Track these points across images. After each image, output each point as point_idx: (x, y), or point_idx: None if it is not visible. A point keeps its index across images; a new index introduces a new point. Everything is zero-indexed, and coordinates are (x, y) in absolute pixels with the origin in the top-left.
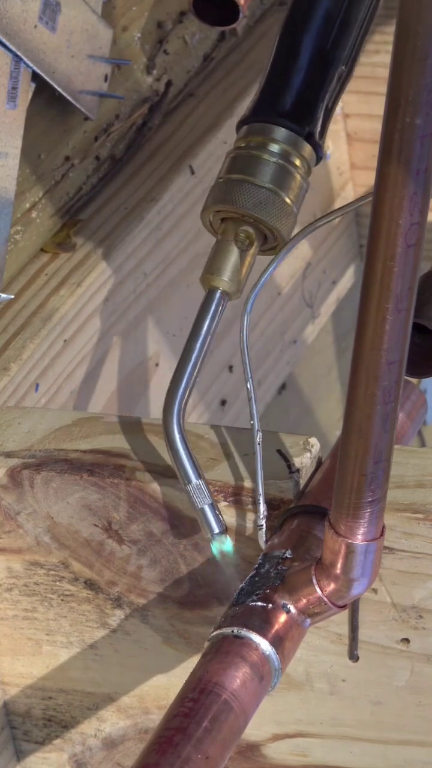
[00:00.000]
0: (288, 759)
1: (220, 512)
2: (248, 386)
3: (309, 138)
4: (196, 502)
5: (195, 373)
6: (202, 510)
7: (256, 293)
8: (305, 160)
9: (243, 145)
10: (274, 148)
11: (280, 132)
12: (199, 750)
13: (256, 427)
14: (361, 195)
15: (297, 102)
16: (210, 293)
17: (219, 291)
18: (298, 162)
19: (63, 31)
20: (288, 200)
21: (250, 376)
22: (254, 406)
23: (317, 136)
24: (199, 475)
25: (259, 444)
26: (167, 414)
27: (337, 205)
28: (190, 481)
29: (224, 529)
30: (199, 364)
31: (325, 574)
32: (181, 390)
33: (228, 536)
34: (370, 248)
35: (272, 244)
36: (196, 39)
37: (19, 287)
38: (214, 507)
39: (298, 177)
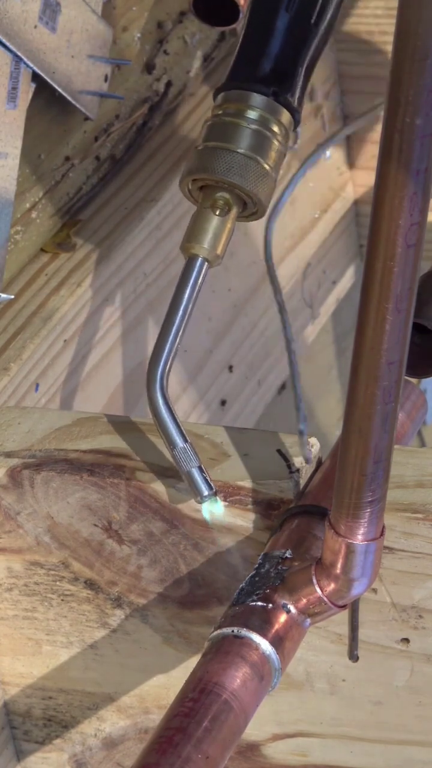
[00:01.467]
0: (288, 759)
1: (208, 474)
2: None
3: (285, 103)
4: (183, 466)
5: (177, 341)
6: (190, 473)
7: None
8: (282, 125)
9: (220, 112)
10: (251, 114)
11: (256, 98)
12: (199, 750)
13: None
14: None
15: (272, 67)
16: (190, 261)
17: (199, 258)
18: (275, 127)
19: (63, 31)
20: (265, 165)
21: (282, 303)
22: (288, 329)
23: (295, 100)
24: (185, 439)
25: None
26: (150, 382)
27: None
28: (176, 446)
29: (214, 491)
30: (180, 332)
31: (325, 574)
32: (163, 358)
33: (218, 498)
34: (370, 248)
35: (252, 209)
36: (196, 39)
37: (19, 287)
38: (201, 469)
39: (276, 142)
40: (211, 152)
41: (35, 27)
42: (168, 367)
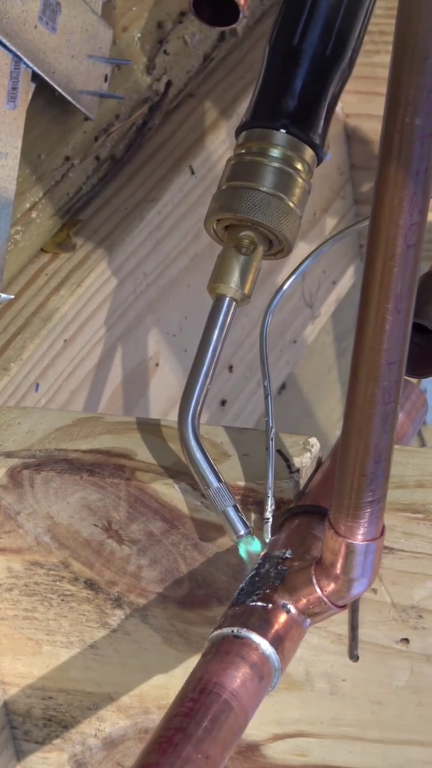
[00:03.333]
0: (288, 759)
1: (242, 513)
2: (265, 383)
3: (308, 140)
4: (218, 505)
5: (208, 382)
6: (226, 512)
7: (270, 313)
8: (306, 163)
9: (243, 151)
10: (273, 152)
11: (280, 136)
12: (199, 750)
13: (271, 424)
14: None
15: (294, 105)
16: (218, 301)
17: (227, 298)
18: (299, 165)
19: (63, 31)
20: (290, 202)
21: (267, 374)
22: (270, 404)
23: (318, 138)
24: (219, 479)
25: (272, 439)
26: (182, 423)
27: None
28: (210, 486)
29: (250, 530)
30: (211, 372)
31: (325, 574)
32: (194, 398)
33: (255, 536)
34: (370, 248)
35: (278, 248)
36: (196, 39)
37: (19, 287)
38: (237, 509)
39: (300, 180)
40: (235, 192)
41: (35, 27)
42: (200, 408)
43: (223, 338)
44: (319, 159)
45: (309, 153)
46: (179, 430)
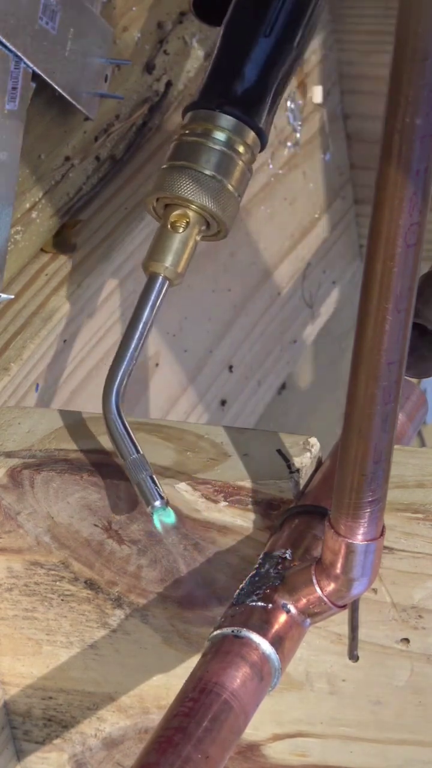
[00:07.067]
0: (288, 759)
1: (159, 486)
2: None
3: (253, 125)
4: (134, 475)
5: (135, 358)
6: (141, 482)
7: None
8: (249, 147)
9: (186, 132)
10: (217, 134)
11: (224, 119)
12: (199, 750)
13: None
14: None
15: (242, 89)
16: (151, 279)
17: (160, 276)
18: (241, 149)
19: (63, 31)
20: (228, 185)
21: None
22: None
23: (262, 122)
24: (138, 450)
25: None
26: (106, 395)
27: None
28: (128, 457)
29: (165, 501)
30: (139, 349)
31: (325, 574)
32: (120, 373)
33: (169, 507)
34: (370, 248)
35: (215, 229)
36: (196, 39)
37: (19, 287)
38: (153, 480)
39: (240, 163)
40: (174, 171)
41: (35, 27)
42: (125, 383)
43: (153, 316)
44: (263, 144)
45: (251, 137)
46: (102, 404)
